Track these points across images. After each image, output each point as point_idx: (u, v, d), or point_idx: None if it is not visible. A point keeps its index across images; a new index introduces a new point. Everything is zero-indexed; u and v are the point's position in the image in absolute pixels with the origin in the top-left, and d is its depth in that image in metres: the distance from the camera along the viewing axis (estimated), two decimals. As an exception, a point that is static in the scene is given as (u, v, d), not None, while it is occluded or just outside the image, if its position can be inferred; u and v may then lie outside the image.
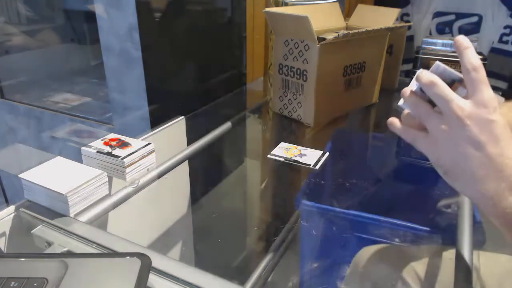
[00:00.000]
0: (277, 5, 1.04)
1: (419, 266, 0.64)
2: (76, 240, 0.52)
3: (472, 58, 0.40)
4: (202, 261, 0.96)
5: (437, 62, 0.44)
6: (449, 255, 0.65)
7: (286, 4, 1.02)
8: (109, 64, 1.09)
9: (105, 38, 1.06)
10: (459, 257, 0.52)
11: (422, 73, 0.43)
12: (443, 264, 0.64)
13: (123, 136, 0.73)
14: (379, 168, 0.97)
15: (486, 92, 0.39)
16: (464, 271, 0.49)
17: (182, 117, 0.99)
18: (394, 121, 0.47)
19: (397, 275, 0.64)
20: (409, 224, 0.71)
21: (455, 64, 0.94)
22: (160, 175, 0.74)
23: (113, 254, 0.49)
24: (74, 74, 1.75)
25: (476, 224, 0.62)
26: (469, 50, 0.40)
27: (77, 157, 0.68)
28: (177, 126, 0.96)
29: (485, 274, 0.62)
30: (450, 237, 0.66)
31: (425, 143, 0.43)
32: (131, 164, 0.66)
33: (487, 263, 0.64)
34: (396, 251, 0.69)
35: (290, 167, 0.81)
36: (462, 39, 0.41)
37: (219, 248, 0.85)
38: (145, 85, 1.04)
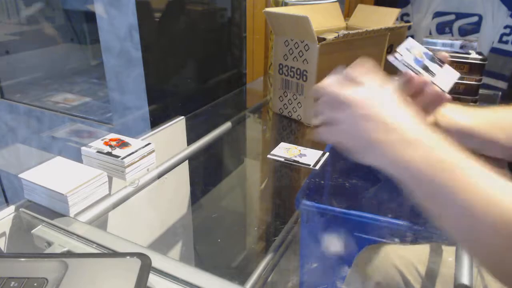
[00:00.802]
0: (277, 5, 1.04)
1: (420, 266, 0.64)
2: (76, 240, 0.52)
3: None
4: (202, 261, 0.96)
5: (410, 38, 0.53)
6: (449, 255, 0.65)
7: (286, 4, 1.02)
8: (109, 64, 1.09)
9: (105, 38, 1.06)
10: (459, 257, 0.52)
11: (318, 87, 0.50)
12: (443, 264, 0.64)
13: (123, 136, 0.73)
14: (379, 168, 0.97)
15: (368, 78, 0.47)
16: (464, 271, 0.49)
17: (182, 117, 0.99)
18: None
19: (399, 275, 0.65)
20: (409, 224, 0.71)
21: (455, 64, 0.94)
22: (160, 175, 0.74)
23: (113, 254, 0.49)
24: (74, 74, 1.75)
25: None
26: None
27: (77, 157, 0.68)
28: (177, 126, 0.96)
29: (488, 275, 0.62)
30: (450, 237, 0.66)
31: (333, 136, 0.48)
32: (131, 164, 0.66)
33: None
34: (397, 250, 0.69)
35: (290, 167, 0.81)
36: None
37: (219, 248, 0.85)
38: (145, 85, 1.05)
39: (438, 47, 0.98)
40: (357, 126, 0.44)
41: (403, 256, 0.66)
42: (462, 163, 0.38)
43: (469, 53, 0.94)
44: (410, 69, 0.54)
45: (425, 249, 0.67)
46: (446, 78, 0.56)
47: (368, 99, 0.45)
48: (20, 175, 0.59)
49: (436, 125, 0.57)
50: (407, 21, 1.44)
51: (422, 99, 0.54)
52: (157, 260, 0.46)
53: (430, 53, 0.58)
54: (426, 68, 0.55)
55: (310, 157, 0.81)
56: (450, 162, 0.38)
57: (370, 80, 0.47)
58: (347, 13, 1.27)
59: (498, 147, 0.55)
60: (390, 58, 0.56)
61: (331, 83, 0.49)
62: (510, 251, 0.34)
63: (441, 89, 0.54)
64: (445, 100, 0.55)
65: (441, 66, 0.57)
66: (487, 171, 0.37)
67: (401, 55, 0.55)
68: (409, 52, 0.55)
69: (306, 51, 0.89)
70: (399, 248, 0.69)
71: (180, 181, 0.96)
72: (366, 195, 0.82)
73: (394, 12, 0.99)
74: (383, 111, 0.43)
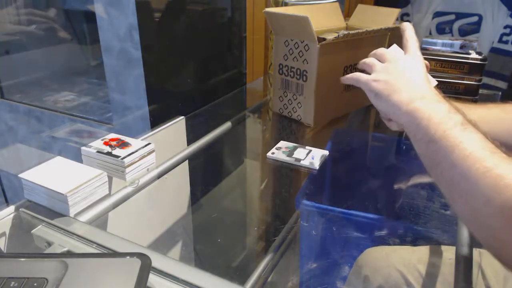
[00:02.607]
0: (277, 5, 1.04)
1: (421, 266, 0.64)
2: (76, 240, 0.52)
3: (408, 34, 0.61)
4: (202, 261, 0.96)
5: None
6: (449, 255, 0.65)
7: (286, 4, 1.02)
8: (109, 64, 1.09)
9: (105, 38, 1.06)
10: (459, 257, 0.52)
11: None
12: (443, 264, 0.64)
13: (123, 136, 0.73)
14: (379, 168, 0.97)
15: (413, 50, 0.59)
16: (464, 271, 0.49)
17: (182, 117, 0.99)
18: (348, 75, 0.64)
19: (401, 276, 0.64)
20: (409, 224, 0.71)
21: (454, 64, 0.94)
22: (160, 175, 0.74)
23: (113, 254, 0.49)
24: (74, 74, 1.75)
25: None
26: (407, 31, 0.62)
27: (77, 157, 0.68)
28: (177, 126, 0.96)
29: (489, 275, 0.63)
30: (450, 237, 0.66)
31: (366, 77, 0.59)
32: (131, 164, 0.66)
33: (491, 263, 0.64)
34: (398, 252, 0.69)
35: (290, 167, 0.81)
36: (405, 24, 0.63)
37: (219, 248, 0.85)
38: (145, 85, 1.05)
39: (438, 47, 0.98)
40: (391, 75, 0.56)
41: (404, 257, 0.66)
42: (465, 136, 0.43)
43: (469, 53, 0.94)
44: None
45: (425, 250, 0.67)
46: None
47: (404, 60, 0.58)
48: (20, 175, 0.59)
49: None
50: (407, 21, 1.44)
51: None
52: (157, 260, 0.46)
53: None
54: None
55: (310, 157, 0.81)
56: (454, 137, 0.44)
57: (414, 53, 0.59)
58: (347, 13, 1.27)
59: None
60: None
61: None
62: (505, 227, 0.37)
63: None
64: None
65: None
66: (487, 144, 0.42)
67: None
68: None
69: (306, 51, 0.89)
70: (399, 249, 0.69)
71: (180, 181, 0.96)
72: (366, 195, 0.82)
73: (394, 12, 0.99)
74: (413, 73, 0.55)
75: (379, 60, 0.60)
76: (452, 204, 0.44)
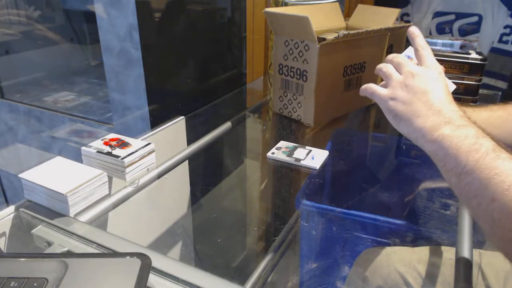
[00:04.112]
0: (277, 5, 1.04)
1: (421, 267, 0.64)
2: (76, 240, 0.52)
3: (420, 41, 0.56)
4: (202, 261, 0.96)
5: (410, 46, 0.58)
6: (449, 255, 0.65)
7: (286, 4, 1.02)
8: (109, 64, 1.09)
9: (105, 38, 1.06)
10: (459, 257, 0.52)
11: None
12: (443, 264, 0.64)
13: (123, 136, 0.73)
14: (379, 168, 0.97)
15: (430, 61, 0.54)
16: (464, 271, 0.49)
17: (182, 117, 0.99)
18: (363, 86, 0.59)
19: (400, 277, 0.64)
20: (409, 224, 0.71)
21: (454, 64, 0.94)
22: (160, 175, 0.74)
23: (113, 254, 0.49)
24: (74, 74, 1.75)
25: (476, 224, 0.62)
26: (418, 37, 0.56)
27: (77, 157, 0.68)
28: (177, 126, 0.96)
29: (489, 275, 0.62)
30: (450, 238, 0.66)
31: (383, 94, 0.54)
32: (131, 164, 0.66)
33: (491, 264, 0.64)
34: (397, 252, 0.69)
35: (290, 167, 0.81)
36: (413, 29, 0.57)
37: (219, 248, 0.85)
38: (145, 85, 1.04)
39: (438, 47, 0.98)
40: (410, 94, 0.51)
41: (403, 258, 0.66)
42: (489, 152, 0.41)
43: (469, 53, 0.94)
44: None
45: (425, 251, 0.67)
46: None
47: (424, 76, 0.52)
48: (20, 175, 0.59)
49: None
50: (407, 21, 1.44)
51: None
52: (157, 260, 0.46)
53: None
54: None
55: (310, 157, 0.81)
56: (482, 153, 0.42)
57: (430, 63, 0.55)
58: (347, 13, 1.27)
59: None
60: None
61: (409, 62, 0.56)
62: None
63: None
64: None
65: None
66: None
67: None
68: (409, 60, 0.57)
69: (306, 51, 0.89)
70: (399, 249, 0.69)
71: (180, 181, 0.96)
72: (366, 195, 0.82)
73: (394, 12, 0.99)
74: (436, 92, 0.50)
75: (396, 69, 0.55)
76: (492, 239, 0.41)
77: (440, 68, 0.54)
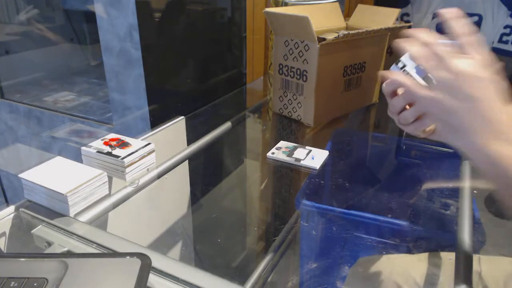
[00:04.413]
0: (277, 5, 1.04)
1: (418, 276, 0.63)
2: (76, 240, 0.52)
3: (463, 25, 0.45)
4: (202, 261, 0.96)
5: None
6: (449, 255, 0.65)
7: (286, 4, 1.02)
8: (109, 64, 1.09)
9: (105, 38, 1.06)
10: (459, 258, 0.52)
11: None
12: (443, 265, 0.64)
13: (123, 136, 0.73)
14: (379, 168, 0.97)
15: (478, 55, 0.43)
16: (464, 272, 0.49)
17: (182, 117, 0.98)
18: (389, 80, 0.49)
19: (395, 285, 0.64)
20: (409, 224, 0.71)
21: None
22: (160, 175, 0.74)
23: (113, 254, 0.49)
24: (74, 74, 1.75)
25: (476, 225, 0.62)
26: (458, 20, 0.45)
27: (77, 157, 0.68)
28: (177, 126, 0.96)
29: (487, 278, 0.62)
30: (450, 238, 0.66)
31: (422, 92, 0.45)
32: (131, 164, 0.66)
33: (489, 267, 0.63)
34: (393, 261, 0.67)
35: (290, 167, 0.81)
36: (451, 10, 0.46)
37: (219, 248, 0.85)
38: (145, 85, 1.04)
39: (438, 47, 0.97)
40: (459, 100, 0.42)
41: (400, 267, 0.65)
42: None
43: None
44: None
45: (423, 257, 0.66)
46: None
47: (477, 78, 0.42)
48: (20, 175, 0.59)
49: None
50: (407, 21, 1.44)
51: None
52: (157, 260, 0.46)
53: None
54: (427, 79, 0.54)
55: (310, 157, 0.81)
56: None
57: (480, 55, 0.43)
58: (347, 13, 1.27)
59: None
60: (392, 66, 0.56)
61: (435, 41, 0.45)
62: None
63: None
64: None
65: None
66: None
67: (404, 63, 0.54)
68: (412, 62, 0.55)
69: (306, 51, 0.89)
70: (395, 258, 0.68)
71: (180, 181, 0.96)
72: (366, 195, 0.82)
73: (394, 12, 0.99)
74: (486, 99, 0.41)
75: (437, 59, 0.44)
76: None
77: (492, 65, 0.44)
